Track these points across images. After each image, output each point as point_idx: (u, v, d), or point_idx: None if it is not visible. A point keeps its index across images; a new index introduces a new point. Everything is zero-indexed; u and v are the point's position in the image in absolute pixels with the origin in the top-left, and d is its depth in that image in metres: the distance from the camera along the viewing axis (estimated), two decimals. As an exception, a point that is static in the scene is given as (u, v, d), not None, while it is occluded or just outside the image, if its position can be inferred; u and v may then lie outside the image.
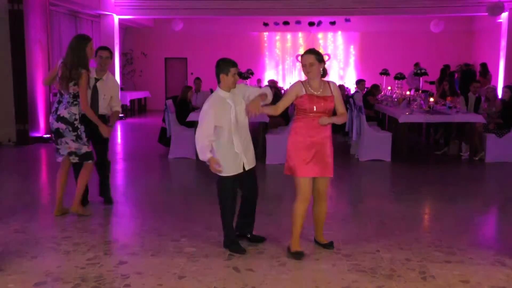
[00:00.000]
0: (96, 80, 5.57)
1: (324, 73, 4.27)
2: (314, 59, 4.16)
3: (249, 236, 4.57)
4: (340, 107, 4.29)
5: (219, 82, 4.27)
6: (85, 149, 5.28)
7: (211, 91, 12.75)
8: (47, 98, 11.03)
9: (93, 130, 5.44)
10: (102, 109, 5.64)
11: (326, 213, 4.49)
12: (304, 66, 4.20)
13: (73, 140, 5.21)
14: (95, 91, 5.56)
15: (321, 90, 4.22)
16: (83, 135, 5.25)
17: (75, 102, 5.18)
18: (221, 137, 4.24)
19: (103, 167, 5.83)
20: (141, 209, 5.75)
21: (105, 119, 5.66)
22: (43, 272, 3.92)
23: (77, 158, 5.30)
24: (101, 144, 5.69)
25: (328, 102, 4.20)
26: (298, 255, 4.21)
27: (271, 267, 4.04)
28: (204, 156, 4.20)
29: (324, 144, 4.23)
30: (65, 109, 5.15)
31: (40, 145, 10.55)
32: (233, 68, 4.23)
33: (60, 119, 5.15)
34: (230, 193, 4.34)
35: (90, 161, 5.36)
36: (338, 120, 4.29)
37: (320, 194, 4.38)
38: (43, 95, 10.93)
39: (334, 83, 4.33)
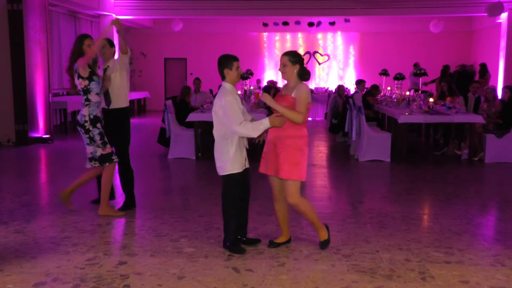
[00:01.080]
0: (104, 70, 5.50)
1: (302, 75, 4.20)
2: (286, 60, 4.21)
3: (244, 239, 4.53)
4: (298, 107, 4.11)
5: (224, 78, 4.30)
6: (100, 151, 5.25)
7: (211, 91, 12.78)
8: (46, 99, 11.03)
9: (110, 131, 5.46)
10: (117, 100, 5.50)
11: (283, 214, 4.46)
12: (280, 66, 4.29)
13: (87, 144, 5.25)
14: (108, 81, 5.43)
15: (287, 90, 4.26)
16: (97, 138, 5.21)
17: (86, 103, 5.18)
18: (232, 136, 4.23)
19: (125, 174, 5.74)
20: (141, 209, 5.74)
21: (123, 111, 5.57)
22: (42, 272, 3.92)
23: (97, 163, 5.32)
24: (121, 148, 5.63)
25: (281, 101, 4.19)
26: (269, 243, 4.50)
27: (271, 267, 4.04)
28: (261, 127, 4.06)
29: (275, 144, 4.20)
30: (80, 112, 5.26)
31: (39, 145, 10.55)
32: (235, 62, 4.28)
33: (77, 122, 5.29)
34: (236, 191, 4.33)
35: (108, 163, 5.31)
36: (283, 110, 4.05)
37: (275, 194, 4.40)
38: (42, 95, 10.93)
39: (301, 85, 4.18)
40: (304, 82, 4.26)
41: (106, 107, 5.47)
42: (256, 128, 4.09)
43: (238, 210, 4.38)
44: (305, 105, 4.12)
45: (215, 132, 4.31)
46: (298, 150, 4.18)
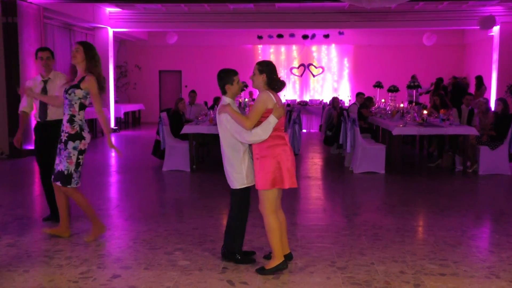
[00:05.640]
0: (45, 82, 5.51)
1: (272, 84, 4.14)
2: (255, 69, 4.19)
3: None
4: (249, 113, 4.11)
5: (224, 92, 4.27)
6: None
7: (205, 104, 12.80)
8: (40, 111, 10.99)
9: (48, 142, 5.36)
10: (53, 113, 5.46)
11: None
12: (251, 74, 4.26)
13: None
14: (44, 93, 5.44)
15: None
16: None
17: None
18: (245, 145, 4.23)
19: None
20: (135, 222, 5.71)
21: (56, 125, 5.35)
22: (35, 286, 3.88)
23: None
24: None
25: (250, 109, 4.22)
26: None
27: (266, 280, 4.02)
28: (270, 126, 4.02)
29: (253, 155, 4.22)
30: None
31: (33, 158, 10.47)
32: (235, 76, 4.26)
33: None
34: (248, 204, 4.36)
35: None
36: (234, 115, 4.10)
37: None
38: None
39: (261, 94, 4.13)
40: (269, 91, 4.13)
41: (40, 120, 5.46)
42: (266, 128, 4.04)
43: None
44: (257, 112, 4.05)
45: (225, 144, 4.24)
46: (263, 158, 4.08)
